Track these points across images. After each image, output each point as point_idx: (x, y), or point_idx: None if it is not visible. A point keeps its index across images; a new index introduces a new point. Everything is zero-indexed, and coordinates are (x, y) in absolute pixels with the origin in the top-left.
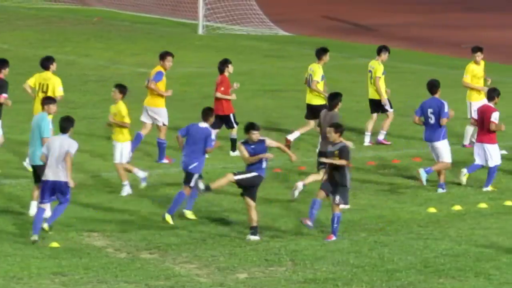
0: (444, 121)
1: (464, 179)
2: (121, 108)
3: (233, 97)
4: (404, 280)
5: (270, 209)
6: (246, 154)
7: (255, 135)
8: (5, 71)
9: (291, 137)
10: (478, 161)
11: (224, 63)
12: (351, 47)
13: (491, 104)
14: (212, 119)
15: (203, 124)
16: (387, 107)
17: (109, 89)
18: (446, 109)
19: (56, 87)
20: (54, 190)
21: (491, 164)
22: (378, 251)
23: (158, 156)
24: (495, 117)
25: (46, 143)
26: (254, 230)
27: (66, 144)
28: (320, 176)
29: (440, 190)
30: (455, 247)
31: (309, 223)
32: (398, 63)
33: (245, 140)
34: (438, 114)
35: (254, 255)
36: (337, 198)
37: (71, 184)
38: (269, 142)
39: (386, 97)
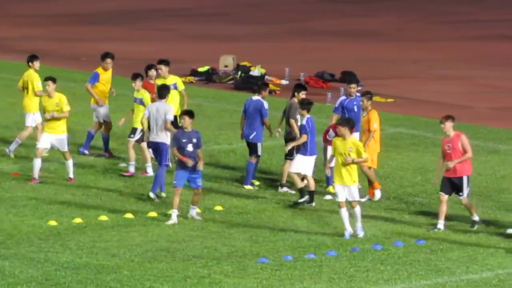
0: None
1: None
2: None
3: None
4: None
5: None
6: None
7: None
8: None
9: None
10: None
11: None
12: None
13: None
14: (265, 93)
15: (256, 97)
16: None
17: None
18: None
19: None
20: (157, 151)
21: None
22: None
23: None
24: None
25: (146, 108)
26: None
27: (163, 109)
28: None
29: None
30: (76, 260)
31: None
32: (15, 76)
33: None
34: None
35: None
36: None
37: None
38: None
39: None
